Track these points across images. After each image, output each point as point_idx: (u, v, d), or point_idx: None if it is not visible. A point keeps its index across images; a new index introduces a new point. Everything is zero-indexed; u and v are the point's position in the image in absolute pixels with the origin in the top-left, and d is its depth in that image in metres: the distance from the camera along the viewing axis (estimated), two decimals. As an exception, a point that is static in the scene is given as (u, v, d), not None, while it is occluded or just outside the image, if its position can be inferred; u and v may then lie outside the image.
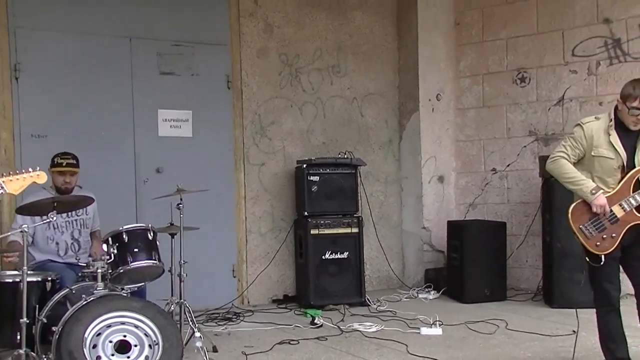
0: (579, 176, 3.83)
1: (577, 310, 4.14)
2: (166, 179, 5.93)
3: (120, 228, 4.45)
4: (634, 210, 3.78)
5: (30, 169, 2.89)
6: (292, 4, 6.93)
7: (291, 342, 5.06)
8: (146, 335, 3.97)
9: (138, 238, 4.47)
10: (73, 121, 5.79)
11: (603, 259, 3.75)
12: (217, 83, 6.54)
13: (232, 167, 6.63)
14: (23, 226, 4.00)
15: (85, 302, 3.99)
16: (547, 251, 6.22)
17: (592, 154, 3.83)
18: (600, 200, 3.76)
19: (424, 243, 7.33)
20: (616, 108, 3.85)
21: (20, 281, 3.97)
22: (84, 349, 3.74)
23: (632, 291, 3.90)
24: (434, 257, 7.33)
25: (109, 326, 3.91)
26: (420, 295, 6.86)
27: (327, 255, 6.41)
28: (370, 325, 5.52)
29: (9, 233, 4.55)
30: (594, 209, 3.76)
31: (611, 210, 3.77)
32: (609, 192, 3.80)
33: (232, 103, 6.63)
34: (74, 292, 4.20)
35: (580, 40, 6.65)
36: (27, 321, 3.91)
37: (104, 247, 4.39)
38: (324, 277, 6.39)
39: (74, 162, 4.89)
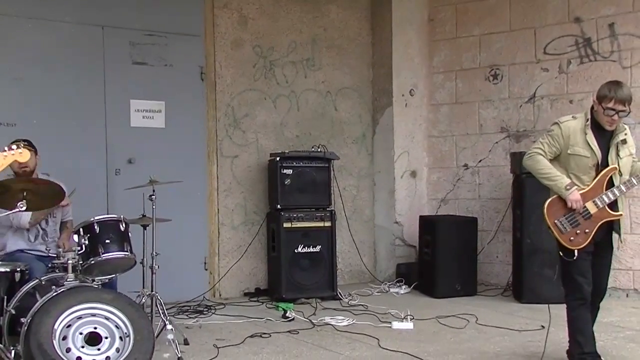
0: (555, 172, 3.94)
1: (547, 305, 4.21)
2: (138, 169, 5.88)
3: (92, 219, 4.40)
4: (607, 207, 3.89)
5: (14, 146, 2.77)
6: (267, -4, 6.91)
7: (263, 336, 5.06)
8: (117, 327, 3.91)
9: (110, 229, 4.42)
10: (43, 110, 5.69)
11: (576, 254, 3.84)
12: (191, 74, 6.49)
13: (205, 159, 6.59)
14: (-7, 213, 3.92)
15: (55, 293, 3.93)
16: (517, 247, 6.30)
17: (569, 152, 3.94)
18: (574, 195, 3.87)
19: (396, 238, 7.37)
20: (592, 108, 3.95)
21: (-13, 272, 3.91)
22: (54, 341, 3.68)
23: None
24: (406, 252, 7.37)
25: (79, 318, 3.85)
26: (391, 290, 6.89)
27: (299, 249, 6.41)
28: (342, 319, 5.54)
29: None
30: (569, 204, 3.87)
31: (585, 207, 3.86)
32: (584, 189, 3.91)
33: (206, 94, 6.58)
34: (43, 283, 4.13)
35: (552, 38, 6.72)
36: (-4, 312, 3.85)
37: (75, 237, 4.33)
38: (296, 270, 6.39)
39: (26, 142, 4.68)
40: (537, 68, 6.83)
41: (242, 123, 6.77)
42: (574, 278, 3.93)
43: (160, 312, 4.71)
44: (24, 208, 4.07)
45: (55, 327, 3.74)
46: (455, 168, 7.40)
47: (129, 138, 6.11)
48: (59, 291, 3.95)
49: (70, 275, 4.13)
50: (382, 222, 7.50)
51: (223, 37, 6.66)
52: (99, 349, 3.81)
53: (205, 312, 5.86)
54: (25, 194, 4.05)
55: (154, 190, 4.83)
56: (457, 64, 7.33)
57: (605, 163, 3.91)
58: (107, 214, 5.10)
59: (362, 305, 6.14)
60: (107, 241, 4.36)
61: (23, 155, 2.80)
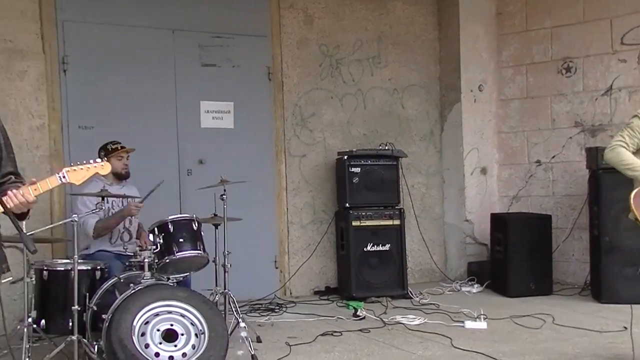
0: (638, 163, 3.81)
1: (628, 305, 4.04)
2: (209, 170, 5.97)
3: (166, 218, 4.48)
4: None
5: (98, 160, 2.90)
6: (332, -5, 6.90)
7: (334, 334, 5.05)
8: (192, 324, 3.98)
9: (183, 228, 4.49)
10: (118, 112, 5.84)
11: None
12: (258, 74, 6.55)
13: (273, 158, 6.64)
14: (73, 216, 4.06)
15: (133, 290, 4.03)
16: (594, 245, 6.08)
17: None
18: None
19: (467, 236, 7.25)
20: None
21: (71, 269, 4.04)
22: (133, 337, 3.78)
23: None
24: (477, 250, 7.24)
25: (156, 315, 3.94)
26: (463, 289, 6.78)
27: (368, 247, 6.38)
28: (413, 318, 5.47)
29: (61, 222, 4.62)
30: None
31: None
32: None
33: (273, 94, 6.63)
34: (122, 280, 4.24)
35: (630, 27, 6.45)
36: (79, 308, 3.98)
37: (150, 237, 4.43)
38: (366, 269, 6.36)
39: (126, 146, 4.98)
40: (614, 59, 6.59)
41: (309, 122, 6.79)
42: None
43: (233, 309, 4.76)
44: (104, 207, 4.23)
45: (134, 323, 3.83)
46: (527, 164, 7.22)
47: (199, 139, 6.22)
48: (137, 289, 4.06)
49: (147, 274, 4.24)
50: (452, 220, 7.39)
51: (289, 37, 6.70)
52: (175, 346, 3.89)
53: (276, 310, 5.90)
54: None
55: (224, 190, 4.89)
56: (528, 58, 7.15)
57: None
58: (180, 213, 5.17)
59: (433, 304, 6.06)
60: (181, 240, 4.43)
61: (105, 168, 2.90)
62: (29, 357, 3.95)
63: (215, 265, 4.91)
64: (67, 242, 5.26)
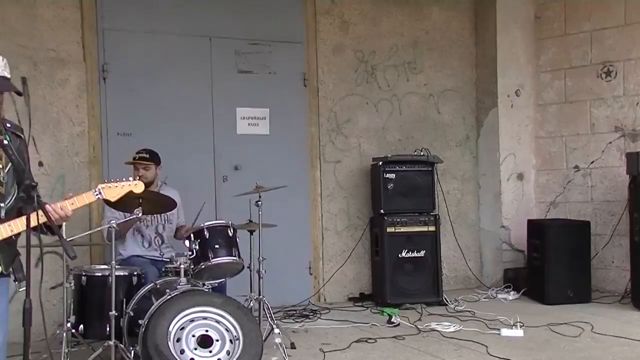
0: None
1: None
2: (244, 176, 6.02)
3: (202, 224, 4.54)
4: None
5: (130, 178, 3.02)
6: (368, 1, 6.90)
7: (368, 341, 5.04)
8: (227, 330, 4.03)
9: (219, 234, 4.55)
10: (156, 119, 5.93)
11: None
12: (294, 81, 6.58)
13: (308, 164, 6.66)
14: (112, 222, 4.13)
15: (169, 296, 4.09)
16: (635, 252, 5.96)
17: None
18: None
19: (503, 242, 7.17)
20: None
21: (109, 275, 4.12)
22: (169, 343, 3.83)
23: None
24: (513, 257, 7.15)
25: (192, 320, 3.99)
26: (499, 296, 6.71)
27: (403, 254, 6.36)
28: (449, 325, 5.44)
29: (99, 228, 4.73)
30: None
31: None
32: None
33: (308, 101, 6.65)
34: (158, 286, 4.31)
35: (673, 31, 6.34)
36: (116, 314, 4.06)
37: (186, 243, 4.49)
38: (400, 275, 6.34)
39: (147, 156, 5.02)
40: (657, 63, 6.46)
41: (345, 128, 6.80)
42: None
43: (268, 316, 4.80)
44: (140, 214, 4.30)
45: (170, 329, 3.89)
46: (565, 170, 7.11)
47: (235, 145, 6.27)
48: (173, 294, 4.11)
49: (183, 280, 4.29)
50: (487, 226, 7.31)
51: (325, 43, 6.72)
52: (210, 351, 3.94)
53: (310, 317, 5.91)
54: (140, 201, 4.25)
55: (260, 197, 4.92)
56: (566, 62, 7.05)
57: None
58: (216, 219, 5.23)
59: (468, 311, 6.00)
60: (217, 246, 4.50)
61: (138, 187, 3.02)
62: (67, 360, 4.04)
63: (250, 271, 4.96)
64: (104, 248, 5.35)
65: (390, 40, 7.01)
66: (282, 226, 5.45)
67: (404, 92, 7.06)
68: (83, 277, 4.28)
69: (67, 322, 4.11)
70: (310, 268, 6.64)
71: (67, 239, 2.90)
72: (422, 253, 6.40)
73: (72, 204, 2.75)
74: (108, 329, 4.08)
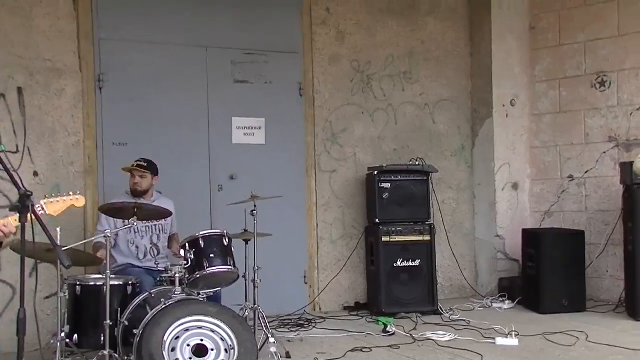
0: None
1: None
2: (239, 185, 6.03)
3: (197, 234, 4.55)
4: None
5: (70, 193, 3.08)
6: (364, 11, 6.93)
7: (363, 350, 5.04)
8: (222, 339, 4.04)
9: (214, 244, 4.56)
10: (152, 129, 5.94)
11: None
12: (290, 91, 6.60)
13: (304, 174, 6.68)
14: (107, 231, 4.14)
15: (164, 305, 4.09)
16: (630, 261, 5.97)
17: None
18: None
19: (498, 251, 7.19)
20: None
21: (103, 285, 4.12)
22: (164, 352, 3.84)
23: None
24: (508, 266, 7.17)
25: (186, 330, 4.00)
26: (494, 305, 6.72)
27: (398, 263, 6.37)
28: (444, 334, 5.44)
29: (95, 238, 4.74)
30: None
31: None
32: None
33: (304, 110, 6.68)
34: (153, 295, 4.31)
35: (666, 41, 6.39)
36: (111, 323, 4.05)
37: (182, 252, 4.50)
38: (396, 284, 6.35)
39: (144, 164, 5.04)
40: (650, 73, 6.51)
41: (340, 138, 6.82)
42: None
43: (263, 325, 4.80)
44: (135, 223, 4.33)
45: (165, 338, 3.90)
46: (559, 179, 7.14)
47: (230, 155, 6.28)
48: (168, 304, 4.12)
49: (178, 289, 4.30)
50: (482, 235, 7.33)
51: (321, 53, 6.75)
52: (205, 361, 3.93)
53: (306, 326, 5.91)
54: (135, 210, 4.28)
55: (255, 206, 4.94)
56: (561, 72, 7.10)
57: None
58: (211, 228, 5.24)
59: (464, 320, 6.01)
60: (212, 255, 4.50)
61: (79, 201, 3.08)
62: (62, 370, 4.04)
63: (246, 280, 4.97)
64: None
65: (386, 51, 7.04)
66: (278, 235, 5.45)
67: (399, 102, 7.10)
68: (77, 287, 4.28)
69: (62, 331, 4.09)
70: (305, 277, 6.64)
71: (62, 248, 2.91)
72: (417, 262, 6.41)
73: (15, 220, 2.75)
74: (103, 338, 4.07)
